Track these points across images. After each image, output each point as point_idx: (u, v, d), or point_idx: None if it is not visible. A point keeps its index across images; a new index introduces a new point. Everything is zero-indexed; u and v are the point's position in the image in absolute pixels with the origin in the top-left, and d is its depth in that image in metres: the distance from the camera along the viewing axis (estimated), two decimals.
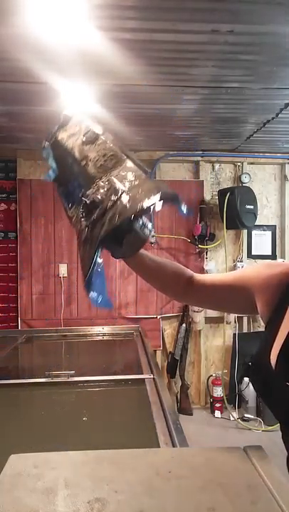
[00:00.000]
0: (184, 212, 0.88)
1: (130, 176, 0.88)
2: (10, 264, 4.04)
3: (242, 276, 1.00)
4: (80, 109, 1.17)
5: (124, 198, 0.84)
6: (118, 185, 0.87)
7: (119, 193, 0.85)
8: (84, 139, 1.05)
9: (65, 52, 1.95)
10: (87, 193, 0.97)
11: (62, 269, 4.00)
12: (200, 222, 4.08)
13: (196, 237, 4.07)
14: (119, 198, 0.84)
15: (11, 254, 4.05)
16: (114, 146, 0.97)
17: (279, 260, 4.18)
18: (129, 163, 0.91)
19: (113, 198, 0.85)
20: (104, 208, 0.86)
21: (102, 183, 0.91)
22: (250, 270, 1.00)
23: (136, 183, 0.86)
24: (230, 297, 1.01)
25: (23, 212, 4.01)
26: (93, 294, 0.86)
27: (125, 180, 0.88)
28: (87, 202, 0.94)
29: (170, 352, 4.14)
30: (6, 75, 2.26)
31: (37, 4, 1.59)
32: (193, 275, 1.08)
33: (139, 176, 0.89)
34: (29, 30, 1.76)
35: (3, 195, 4.04)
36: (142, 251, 1.04)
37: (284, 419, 0.73)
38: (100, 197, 0.89)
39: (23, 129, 3.31)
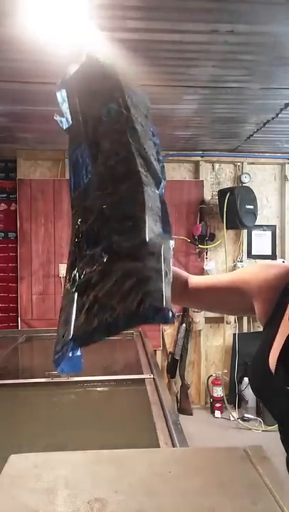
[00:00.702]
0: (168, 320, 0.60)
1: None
2: (10, 264, 4.04)
3: (238, 278, 0.98)
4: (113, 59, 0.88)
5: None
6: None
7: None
8: (102, 114, 0.79)
9: (66, 52, 1.95)
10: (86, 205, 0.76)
11: (63, 269, 4.00)
12: (200, 222, 4.08)
13: (196, 237, 4.07)
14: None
15: (11, 254, 4.04)
16: (135, 140, 0.75)
17: (278, 260, 4.18)
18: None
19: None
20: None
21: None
22: (247, 272, 0.99)
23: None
24: (225, 299, 1.00)
25: (23, 212, 4.01)
26: (63, 368, 0.66)
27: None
28: (85, 229, 0.74)
29: (170, 352, 4.15)
30: (6, 75, 2.26)
31: (37, 4, 1.59)
32: (189, 278, 1.05)
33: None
34: (29, 31, 1.76)
35: (3, 195, 4.04)
36: None
37: (282, 421, 0.73)
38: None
39: (23, 129, 3.31)
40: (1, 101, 2.69)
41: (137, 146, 0.74)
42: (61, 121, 0.93)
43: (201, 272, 4.18)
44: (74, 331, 0.64)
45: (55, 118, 0.92)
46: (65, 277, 0.77)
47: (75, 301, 0.67)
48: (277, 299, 0.87)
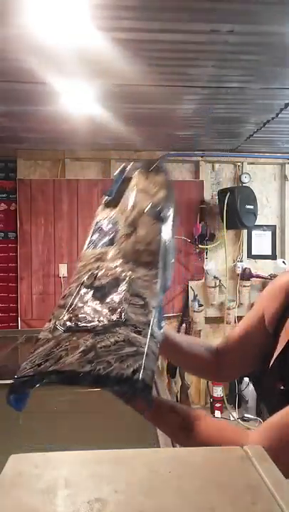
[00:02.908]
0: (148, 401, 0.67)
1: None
2: (10, 264, 4.04)
3: (256, 310, 1.02)
4: (171, 178, 1.10)
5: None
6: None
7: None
8: (149, 210, 0.97)
9: (65, 52, 1.95)
10: (103, 268, 0.87)
11: (63, 269, 4.00)
12: (200, 222, 4.08)
13: (196, 237, 4.07)
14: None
15: (11, 254, 4.04)
16: (162, 241, 0.92)
17: (278, 260, 4.19)
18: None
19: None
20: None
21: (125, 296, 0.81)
22: (258, 299, 1.04)
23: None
24: (255, 339, 1.00)
25: (23, 212, 4.01)
26: (12, 399, 0.70)
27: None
28: (97, 285, 0.82)
29: None
30: (6, 74, 2.26)
31: (37, 4, 1.59)
32: (219, 347, 1.07)
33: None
34: (29, 31, 1.76)
35: (3, 195, 4.04)
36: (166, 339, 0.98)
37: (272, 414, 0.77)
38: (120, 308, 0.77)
39: (23, 129, 3.31)
40: (1, 101, 2.69)
41: (164, 249, 0.93)
42: (107, 195, 1.10)
43: (201, 271, 4.18)
44: (59, 365, 0.67)
45: (104, 194, 1.12)
46: (52, 313, 0.82)
47: (64, 338, 0.72)
48: (282, 308, 0.93)
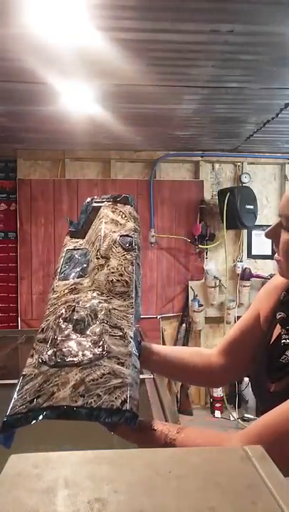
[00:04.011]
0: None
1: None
2: (10, 264, 4.04)
3: (251, 310, 1.03)
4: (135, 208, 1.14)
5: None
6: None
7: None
8: (120, 240, 1.01)
9: (65, 52, 1.95)
10: (80, 299, 0.89)
11: None
12: (200, 222, 4.08)
13: (196, 237, 4.07)
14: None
15: (11, 254, 4.05)
16: (136, 273, 0.97)
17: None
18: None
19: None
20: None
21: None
22: (255, 300, 1.05)
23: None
24: (252, 339, 1.01)
25: (23, 212, 4.01)
26: (2, 438, 0.70)
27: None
28: (77, 317, 0.85)
29: None
30: (6, 74, 2.26)
31: (37, 4, 1.59)
32: (212, 352, 1.08)
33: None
34: (29, 31, 1.76)
35: (3, 195, 4.04)
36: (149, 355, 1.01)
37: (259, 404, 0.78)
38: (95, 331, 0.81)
39: (23, 129, 3.32)
40: (1, 101, 2.69)
41: (135, 278, 0.96)
42: (71, 222, 1.14)
43: (201, 271, 4.18)
44: (53, 401, 0.69)
45: (66, 218, 1.17)
46: (34, 348, 0.84)
47: (52, 374, 0.74)
48: (273, 308, 0.95)
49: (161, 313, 4.13)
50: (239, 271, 4.14)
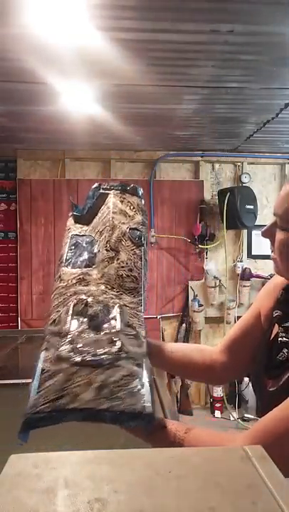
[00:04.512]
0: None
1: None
2: (10, 264, 4.04)
3: (252, 309, 1.05)
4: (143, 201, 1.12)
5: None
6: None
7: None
8: (130, 233, 0.99)
9: (65, 52, 1.95)
10: (91, 295, 0.87)
11: None
12: (200, 222, 4.08)
13: (196, 237, 4.07)
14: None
15: (11, 254, 4.05)
16: (144, 268, 0.96)
17: None
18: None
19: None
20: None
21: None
22: (255, 299, 1.07)
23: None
24: (253, 338, 1.02)
25: (23, 212, 4.01)
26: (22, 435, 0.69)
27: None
28: (90, 313, 0.82)
29: None
30: (6, 74, 2.26)
31: (37, 4, 1.59)
32: (214, 350, 1.10)
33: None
34: (29, 31, 1.76)
35: (3, 195, 4.04)
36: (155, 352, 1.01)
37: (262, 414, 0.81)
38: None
39: (23, 129, 3.32)
40: (1, 101, 2.69)
41: (143, 272, 0.95)
42: (75, 206, 1.11)
43: (201, 271, 4.18)
44: (78, 403, 0.68)
45: (70, 199, 1.15)
46: (47, 340, 0.82)
47: (73, 373, 0.73)
48: (272, 307, 0.96)
49: (161, 313, 4.13)
50: (239, 271, 4.14)
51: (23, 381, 1.89)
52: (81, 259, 0.97)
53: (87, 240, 1.01)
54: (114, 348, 0.76)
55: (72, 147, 3.94)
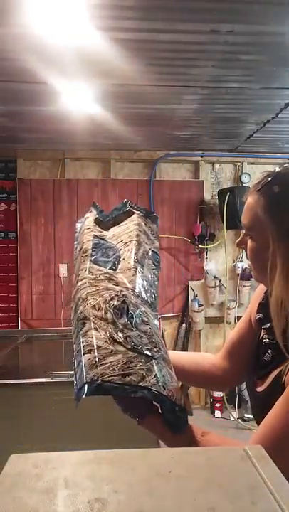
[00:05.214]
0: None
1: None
2: (10, 264, 4.04)
3: (246, 314, 1.08)
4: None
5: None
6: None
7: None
8: (150, 255, 1.08)
9: (65, 52, 1.95)
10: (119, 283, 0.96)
11: (63, 269, 4.00)
12: (200, 222, 4.08)
13: (196, 237, 4.07)
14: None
15: (11, 254, 4.05)
16: (158, 287, 1.04)
17: None
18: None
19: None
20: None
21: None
22: (249, 305, 1.10)
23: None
24: (248, 343, 1.05)
25: (23, 212, 4.01)
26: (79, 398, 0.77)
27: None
28: (130, 312, 0.89)
29: None
30: (6, 74, 2.26)
31: (37, 4, 1.59)
32: (216, 357, 1.14)
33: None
34: (29, 30, 1.76)
35: (3, 195, 4.04)
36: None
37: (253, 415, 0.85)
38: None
39: (23, 129, 3.31)
40: (1, 101, 2.69)
41: (157, 291, 1.04)
42: (100, 211, 1.18)
43: (201, 271, 4.18)
44: (147, 383, 0.76)
45: (94, 202, 1.23)
46: (93, 321, 0.87)
47: (133, 357, 0.81)
48: (257, 309, 1.00)
49: (161, 313, 4.13)
50: (239, 271, 4.14)
51: (23, 381, 1.89)
52: (104, 260, 1.03)
53: (109, 245, 1.08)
54: (155, 349, 0.84)
55: (72, 147, 3.94)
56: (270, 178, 0.91)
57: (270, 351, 0.90)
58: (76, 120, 2.97)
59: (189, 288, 4.14)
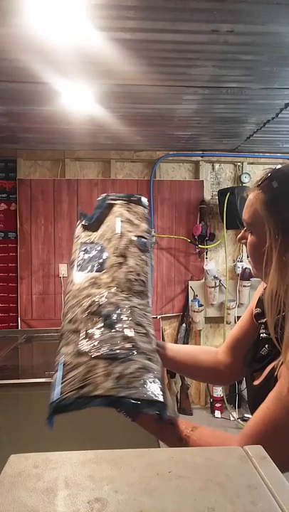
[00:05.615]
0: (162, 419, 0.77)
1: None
2: (10, 264, 4.04)
3: (248, 309, 1.10)
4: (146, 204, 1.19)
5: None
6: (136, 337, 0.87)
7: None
8: (136, 241, 1.06)
9: (65, 52, 1.95)
10: (103, 296, 0.95)
11: (63, 269, 4.00)
12: (200, 222, 4.08)
13: (196, 237, 4.07)
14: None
15: (11, 254, 4.04)
16: (150, 273, 1.03)
17: None
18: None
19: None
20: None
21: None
22: (250, 303, 1.11)
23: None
24: (249, 337, 1.06)
25: (23, 212, 4.01)
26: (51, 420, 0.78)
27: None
28: (104, 313, 0.90)
29: None
30: (6, 74, 2.26)
31: (37, 4, 1.59)
32: (218, 351, 1.15)
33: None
34: (29, 30, 1.76)
35: (3, 195, 4.04)
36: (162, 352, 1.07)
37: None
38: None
39: (23, 129, 3.31)
40: (1, 101, 2.69)
41: (150, 276, 1.03)
42: (84, 216, 1.16)
43: (201, 271, 4.18)
44: (101, 391, 0.76)
45: (80, 211, 1.18)
46: (67, 337, 0.89)
47: (94, 365, 0.80)
48: (256, 304, 1.02)
49: (161, 314, 4.13)
50: (239, 271, 4.14)
51: (23, 381, 1.89)
52: (92, 264, 1.04)
53: (97, 247, 1.08)
54: (128, 345, 0.84)
55: (72, 147, 3.94)
56: (269, 174, 0.91)
57: (266, 346, 0.91)
58: (76, 120, 2.97)
59: (189, 288, 4.14)
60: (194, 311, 4.07)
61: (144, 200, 1.18)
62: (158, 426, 0.84)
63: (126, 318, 0.90)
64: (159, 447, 1.11)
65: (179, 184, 4.15)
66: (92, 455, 0.53)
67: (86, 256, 1.06)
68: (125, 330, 0.87)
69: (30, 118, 3.01)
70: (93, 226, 1.14)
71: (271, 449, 0.57)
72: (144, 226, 1.11)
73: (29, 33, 1.77)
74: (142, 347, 0.85)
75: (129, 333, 0.87)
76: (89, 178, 4.07)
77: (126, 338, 0.85)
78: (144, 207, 1.17)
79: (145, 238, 1.08)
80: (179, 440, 0.83)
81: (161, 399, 0.76)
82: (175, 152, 4.10)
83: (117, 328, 0.87)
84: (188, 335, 4.14)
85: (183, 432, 0.83)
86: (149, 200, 4.12)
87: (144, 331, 0.89)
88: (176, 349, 1.13)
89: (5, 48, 1.93)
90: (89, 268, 1.03)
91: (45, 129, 3.28)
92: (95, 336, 0.86)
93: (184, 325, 4.14)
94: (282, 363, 0.82)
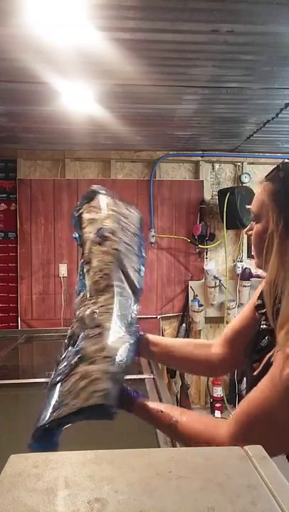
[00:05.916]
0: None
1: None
2: (10, 264, 4.04)
3: (251, 301, 1.11)
4: (106, 191, 1.17)
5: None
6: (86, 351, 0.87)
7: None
8: (94, 238, 1.05)
9: (65, 52, 1.95)
10: (77, 313, 0.97)
11: (62, 269, 4.00)
12: (200, 222, 4.08)
13: (196, 237, 4.07)
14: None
15: (11, 254, 4.04)
16: (117, 258, 1.00)
17: None
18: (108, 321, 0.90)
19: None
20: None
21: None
22: (252, 297, 1.13)
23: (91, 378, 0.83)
24: (249, 331, 1.07)
25: (23, 212, 4.01)
26: (34, 445, 0.81)
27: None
28: (70, 334, 0.94)
29: None
30: (6, 74, 2.26)
31: (37, 4, 1.59)
32: (213, 343, 1.16)
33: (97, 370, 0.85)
34: (29, 30, 1.76)
35: (3, 195, 4.04)
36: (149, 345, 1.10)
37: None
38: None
39: (23, 129, 3.31)
40: (1, 101, 2.69)
41: (118, 263, 0.99)
42: (77, 237, 1.15)
43: (201, 271, 4.18)
44: (48, 417, 0.80)
45: (73, 235, 1.17)
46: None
47: (54, 390, 0.86)
48: (259, 296, 1.03)
49: (161, 313, 4.13)
50: (239, 271, 4.14)
51: (23, 381, 1.89)
52: (82, 283, 1.05)
53: (82, 264, 1.09)
54: (76, 358, 0.86)
55: (72, 147, 3.94)
56: (278, 167, 0.94)
57: (267, 337, 0.92)
58: (76, 120, 2.97)
59: (189, 288, 4.14)
60: (194, 311, 4.07)
61: (95, 187, 1.16)
62: (149, 415, 0.88)
63: (84, 329, 0.90)
64: (159, 447, 1.11)
65: (179, 184, 4.14)
66: (92, 455, 0.53)
67: (80, 276, 1.07)
68: (78, 342, 0.89)
69: (30, 118, 3.01)
70: (82, 245, 1.14)
71: (260, 433, 0.57)
72: (102, 215, 1.09)
73: (29, 33, 1.77)
74: (88, 354, 0.86)
75: (79, 343, 0.89)
76: (89, 178, 4.06)
77: (77, 352, 0.87)
78: (98, 193, 1.15)
79: (102, 227, 1.06)
80: (168, 426, 0.86)
81: (91, 402, 0.77)
82: (175, 152, 4.10)
83: (75, 344, 0.90)
84: (188, 335, 4.14)
85: (172, 418, 0.86)
86: (149, 200, 4.14)
87: (99, 331, 0.89)
88: (165, 342, 1.14)
89: (5, 47, 1.93)
90: (80, 287, 1.05)
91: (45, 129, 3.28)
92: (60, 364, 0.91)
93: (184, 325, 4.14)
94: (278, 351, 0.82)
